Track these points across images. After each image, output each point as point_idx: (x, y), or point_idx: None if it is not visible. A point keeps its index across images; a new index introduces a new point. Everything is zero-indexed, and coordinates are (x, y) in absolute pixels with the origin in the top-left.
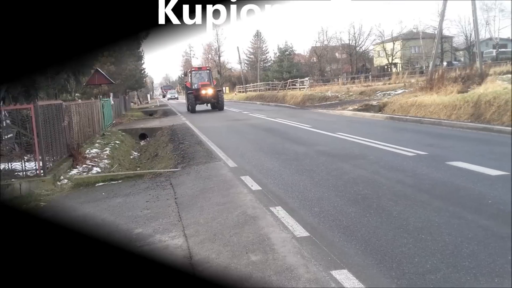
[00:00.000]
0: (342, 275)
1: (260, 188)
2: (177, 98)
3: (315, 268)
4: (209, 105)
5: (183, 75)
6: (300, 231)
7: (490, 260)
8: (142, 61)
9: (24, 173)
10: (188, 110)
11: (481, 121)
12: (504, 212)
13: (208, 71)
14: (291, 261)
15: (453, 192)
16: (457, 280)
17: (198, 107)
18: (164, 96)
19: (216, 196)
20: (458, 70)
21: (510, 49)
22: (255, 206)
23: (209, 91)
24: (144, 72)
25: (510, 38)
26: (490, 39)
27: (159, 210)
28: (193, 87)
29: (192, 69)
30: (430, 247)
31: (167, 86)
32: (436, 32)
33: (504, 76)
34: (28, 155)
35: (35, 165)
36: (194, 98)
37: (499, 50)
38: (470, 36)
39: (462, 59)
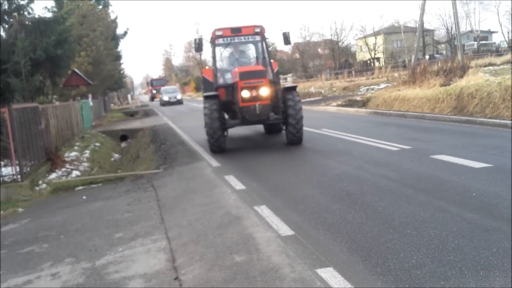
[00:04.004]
0: (328, 273)
1: (244, 187)
2: (180, 102)
3: (300, 267)
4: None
5: (195, 46)
6: (285, 230)
7: (475, 254)
8: (121, 61)
9: (1, 178)
10: (211, 145)
11: (464, 114)
12: (488, 205)
13: (257, 38)
14: (276, 261)
15: (438, 186)
16: (442, 275)
17: (236, 132)
18: (153, 98)
19: (199, 197)
20: (440, 63)
21: (491, 41)
22: (239, 206)
23: (261, 92)
24: (123, 72)
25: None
26: (471, 31)
27: (140, 213)
28: (219, 81)
29: (217, 32)
30: (416, 242)
31: (158, 81)
32: (417, 26)
33: (485, 68)
34: (5, 160)
35: (12, 170)
36: (219, 110)
37: (480, 42)
38: (451, 29)
39: (444, 52)
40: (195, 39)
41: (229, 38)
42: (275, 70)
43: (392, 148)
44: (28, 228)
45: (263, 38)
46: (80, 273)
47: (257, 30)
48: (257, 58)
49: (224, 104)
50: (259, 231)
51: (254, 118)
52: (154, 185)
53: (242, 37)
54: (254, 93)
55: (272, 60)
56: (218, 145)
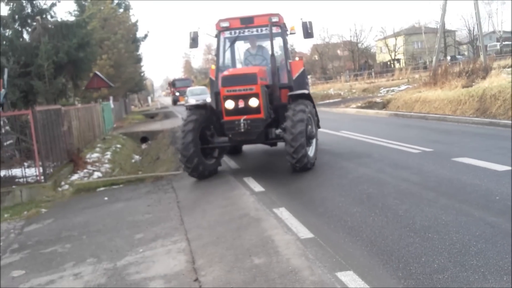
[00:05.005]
0: (348, 276)
1: (263, 189)
2: None
3: (320, 270)
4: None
5: (190, 41)
6: (304, 233)
7: (498, 258)
8: (141, 64)
9: (25, 179)
10: (184, 167)
11: (487, 116)
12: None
13: (274, 30)
14: (295, 264)
15: (460, 189)
16: (465, 279)
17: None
18: (176, 102)
19: (218, 199)
20: (462, 65)
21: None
22: (258, 208)
23: (251, 102)
24: (144, 74)
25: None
26: (494, 32)
27: (161, 214)
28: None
29: (222, 23)
30: (437, 246)
31: (182, 81)
32: (438, 27)
33: (508, 69)
34: (28, 161)
35: (36, 171)
36: (200, 123)
37: (503, 43)
38: (473, 30)
39: (466, 53)
40: (190, 33)
41: (237, 31)
42: (299, 71)
43: (413, 151)
44: (51, 228)
45: (283, 31)
46: (102, 274)
47: (274, 19)
48: (271, 55)
49: (217, 117)
50: (278, 234)
51: (238, 137)
52: (174, 187)
53: (254, 29)
54: (240, 104)
55: (297, 58)
56: (193, 168)
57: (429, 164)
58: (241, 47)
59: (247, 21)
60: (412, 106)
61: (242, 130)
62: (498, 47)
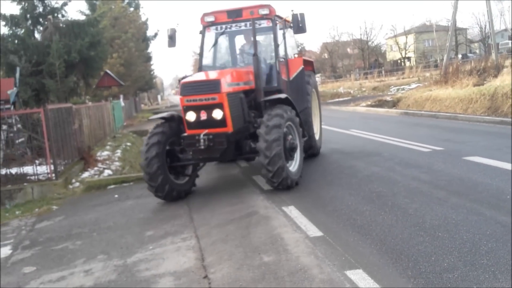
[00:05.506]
0: (357, 275)
1: (272, 187)
2: None
3: (329, 269)
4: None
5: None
6: (314, 231)
7: (509, 257)
8: (151, 62)
9: (36, 177)
10: (148, 186)
11: (498, 115)
12: None
13: (264, 23)
14: (304, 262)
15: (471, 188)
16: (475, 279)
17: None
18: None
19: (228, 197)
20: (473, 63)
21: None
22: (267, 206)
23: (215, 114)
24: (154, 73)
25: None
26: (506, 30)
27: (170, 212)
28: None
29: (207, 17)
30: (447, 245)
31: None
32: (449, 24)
33: None
34: (40, 159)
35: (47, 169)
36: (168, 136)
37: None
38: (485, 28)
39: (477, 51)
40: (167, 30)
41: (224, 26)
42: (298, 70)
43: (424, 150)
44: (62, 225)
45: (275, 24)
46: (112, 270)
47: (263, 12)
48: (253, 54)
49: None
50: (287, 232)
51: (199, 155)
52: None
53: (243, 23)
54: (203, 115)
55: (296, 55)
56: (158, 187)
57: (439, 163)
58: (222, 44)
59: (234, 14)
60: (423, 105)
61: (202, 147)
62: (510, 45)
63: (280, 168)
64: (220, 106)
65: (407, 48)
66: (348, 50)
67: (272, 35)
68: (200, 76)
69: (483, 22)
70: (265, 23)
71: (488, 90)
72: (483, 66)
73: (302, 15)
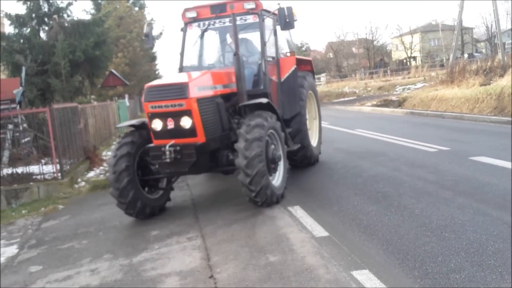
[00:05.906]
0: (363, 275)
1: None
2: None
3: (335, 269)
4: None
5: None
6: (319, 231)
7: None
8: (156, 62)
9: (42, 176)
10: (117, 203)
11: (505, 114)
12: None
13: (249, 18)
14: (310, 262)
15: (477, 188)
16: (482, 279)
17: None
18: None
19: (233, 196)
20: (480, 62)
21: None
22: (273, 205)
23: (183, 122)
24: (159, 72)
25: None
26: None
27: (176, 211)
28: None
29: (188, 12)
30: (454, 245)
31: None
32: (455, 24)
33: None
34: (46, 159)
35: (53, 168)
36: (139, 147)
37: None
38: (491, 27)
39: (483, 50)
40: (144, 26)
41: (207, 22)
42: (290, 70)
43: (430, 150)
44: (68, 224)
45: (262, 19)
46: (118, 269)
47: (249, 6)
48: (234, 54)
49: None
50: (293, 232)
51: (166, 169)
52: (188, 184)
53: (228, 19)
54: (170, 124)
55: (288, 54)
56: (129, 204)
57: (445, 163)
58: (206, 42)
59: (218, 9)
60: (429, 105)
61: (168, 159)
62: None
63: (264, 187)
64: (188, 113)
65: (412, 48)
66: (354, 49)
67: (269, 32)
68: (166, 79)
69: (489, 21)
70: (251, 19)
71: (495, 89)
72: (490, 65)
73: (289, 8)
